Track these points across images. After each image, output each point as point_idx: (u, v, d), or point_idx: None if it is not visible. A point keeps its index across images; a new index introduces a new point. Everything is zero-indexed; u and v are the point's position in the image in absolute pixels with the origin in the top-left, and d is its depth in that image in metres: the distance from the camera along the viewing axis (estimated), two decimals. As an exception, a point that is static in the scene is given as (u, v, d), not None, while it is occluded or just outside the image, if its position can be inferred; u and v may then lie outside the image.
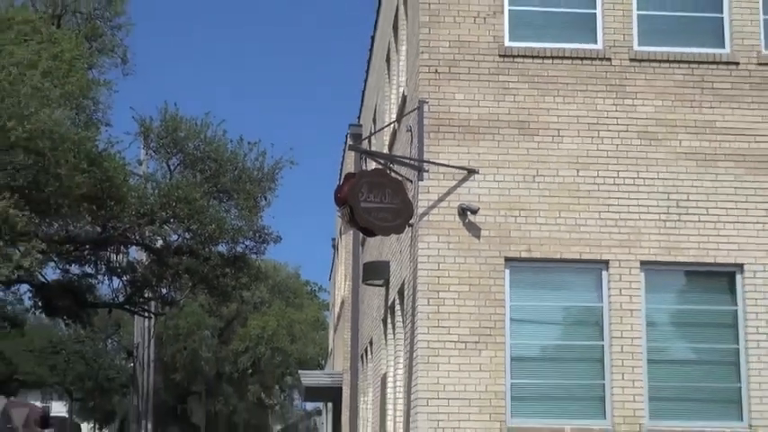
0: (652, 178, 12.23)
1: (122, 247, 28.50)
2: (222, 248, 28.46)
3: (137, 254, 29.87)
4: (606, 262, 12.06)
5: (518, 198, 12.11)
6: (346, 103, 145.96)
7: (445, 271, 11.90)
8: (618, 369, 11.84)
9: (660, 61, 12.48)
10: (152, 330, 37.12)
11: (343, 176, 14.39)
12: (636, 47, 12.52)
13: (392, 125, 15.45)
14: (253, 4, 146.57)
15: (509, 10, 12.55)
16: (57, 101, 22.62)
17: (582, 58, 12.43)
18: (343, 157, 26.76)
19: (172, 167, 28.25)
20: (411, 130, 12.73)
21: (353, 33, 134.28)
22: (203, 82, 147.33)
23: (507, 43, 12.45)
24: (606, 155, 12.25)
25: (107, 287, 30.55)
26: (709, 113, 12.42)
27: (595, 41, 12.55)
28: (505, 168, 12.17)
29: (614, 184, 12.20)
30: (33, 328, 48.01)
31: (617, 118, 12.35)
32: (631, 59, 12.46)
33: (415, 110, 12.46)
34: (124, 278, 29.45)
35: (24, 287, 30.34)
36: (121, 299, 30.47)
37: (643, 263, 12.08)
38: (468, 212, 11.99)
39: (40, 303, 30.00)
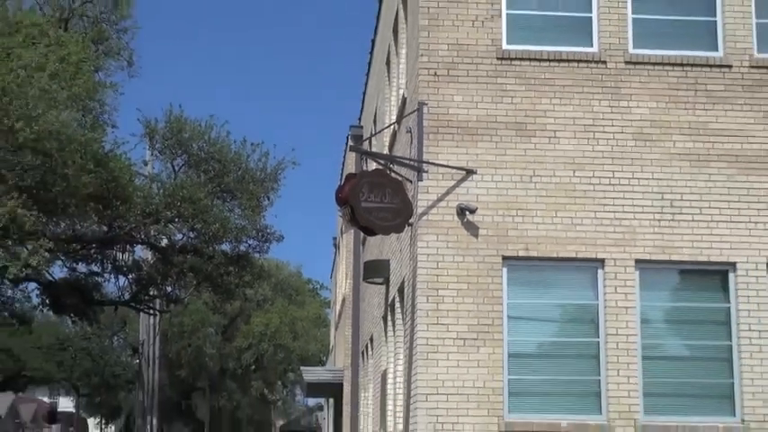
0: (647, 178, 12.24)
1: (128, 246, 28.50)
2: (226, 247, 28.46)
3: (142, 252, 29.87)
4: (602, 260, 12.07)
5: (515, 198, 12.12)
6: (347, 104, 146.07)
7: (444, 269, 11.91)
8: (613, 365, 11.84)
9: (654, 64, 12.48)
10: (157, 327, 37.13)
11: (344, 177, 14.40)
12: (631, 50, 12.52)
13: (392, 126, 15.45)
14: (254, 6, 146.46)
15: (507, 14, 12.56)
16: (64, 103, 22.63)
17: (578, 61, 12.44)
18: (345, 157, 26.77)
19: (176, 168, 28.25)
20: (411, 132, 12.73)
21: (354, 35, 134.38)
22: (205, 83, 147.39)
23: (505, 46, 12.46)
24: (602, 155, 12.26)
25: (113, 285, 30.57)
26: (703, 115, 12.42)
27: (591, 45, 12.56)
28: (503, 169, 12.18)
29: (610, 184, 12.21)
30: (41, 326, 47.98)
31: (612, 119, 12.36)
32: (626, 62, 12.47)
33: (414, 111, 12.46)
34: (130, 276, 29.45)
35: (32, 285, 30.33)
36: (127, 297, 30.47)
37: (638, 261, 12.09)
38: (467, 212, 11.99)
39: (47, 301, 30.00)
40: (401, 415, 13.45)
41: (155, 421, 37.30)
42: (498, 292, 11.92)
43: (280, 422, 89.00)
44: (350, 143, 23.87)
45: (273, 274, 61.97)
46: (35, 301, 33.24)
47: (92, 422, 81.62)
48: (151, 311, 33.76)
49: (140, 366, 37.59)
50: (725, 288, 12.20)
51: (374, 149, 17.96)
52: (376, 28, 20.26)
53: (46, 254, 22.68)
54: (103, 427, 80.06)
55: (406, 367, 12.74)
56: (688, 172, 12.28)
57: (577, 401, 11.87)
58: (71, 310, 30.29)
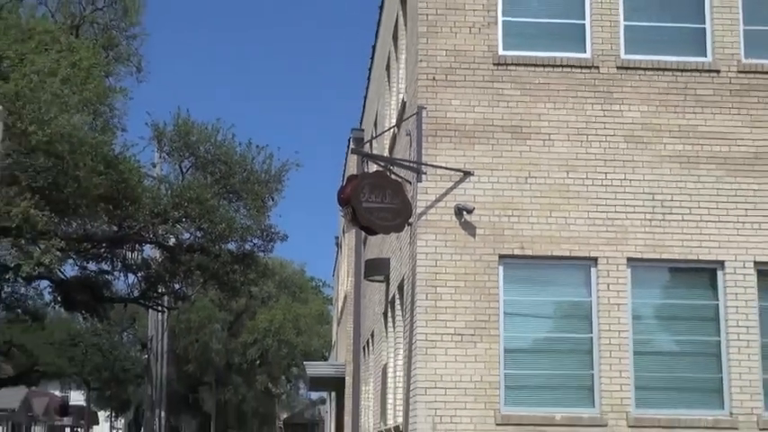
0: (638, 180, 12.23)
1: (137, 245, 28.52)
2: (232, 246, 28.49)
3: (151, 251, 29.89)
4: (595, 259, 12.06)
5: (511, 198, 12.11)
6: (349, 105, 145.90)
7: (442, 267, 11.91)
8: (606, 360, 11.84)
9: (646, 69, 12.48)
10: (165, 324, 37.13)
11: (345, 178, 14.39)
12: (623, 55, 12.51)
13: (392, 130, 15.45)
14: (255, 6, 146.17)
15: (503, 21, 12.55)
16: (75, 107, 22.64)
17: (571, 66, 12.43)
18: (346, 159, 26.75)
19: (184, 170, 28.28)
20: (410, 135, 12.73)
21: (355, 36, 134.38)
22: (205, 83, 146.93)
23: (501, 52, 12.45)
24: (594, 158, 12.26)
25: (123, 283, 30.68)
26: (692, 119, 12.41)
27: (584, 50, 12.55)
28: (499, 170, 12.17)
29: (602, 185, 12.20)
30: (53, 322, 47.97)
31: (605, 123, 12.35)
32: (618, 67, 12.46)
33: (413, 115, 12.46)
34: (139, 274, 29.47)
35: (44, 283, 30.40)
36: (136, 294, 30.50)
37: (629, 260, 12.08)
38: (464, 212, 11.99)
39: (59, 298, 30.05)
40: (401, 408, 13.44)
41: (163, 414, 37.31)
42: (495, 290, 11.91)
43: (284, 415, 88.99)
44: (351, 146, 23.87)
45: (278, 272, 61.88)
46: (47, 298, 33.32)
47: (102, 415, 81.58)
48: (159, 308, 33.78)
49: (149, 361, 37.60)
50: (714, 286, 12.20)
51: (375, 152, 17.95)
52: (376, 34, 20.26)
53: (58, 253, 22.73)
54: (113, 420, 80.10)
55: (406, 362, 12.73)
56: (678, 173, 12.28)
57: (571, 395, 11.87)
58: (82, 307, 30.34)
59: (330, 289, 62.19)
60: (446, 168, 12.08)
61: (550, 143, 12.26)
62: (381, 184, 11.88)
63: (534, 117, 12.31)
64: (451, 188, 12.08)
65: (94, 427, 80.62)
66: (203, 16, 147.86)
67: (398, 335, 14.25)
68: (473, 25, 12.46)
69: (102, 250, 28.17)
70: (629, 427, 11.68)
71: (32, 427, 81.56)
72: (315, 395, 70.36)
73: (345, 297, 28.24)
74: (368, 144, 19.91)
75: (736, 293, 12.07)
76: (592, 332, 11.96)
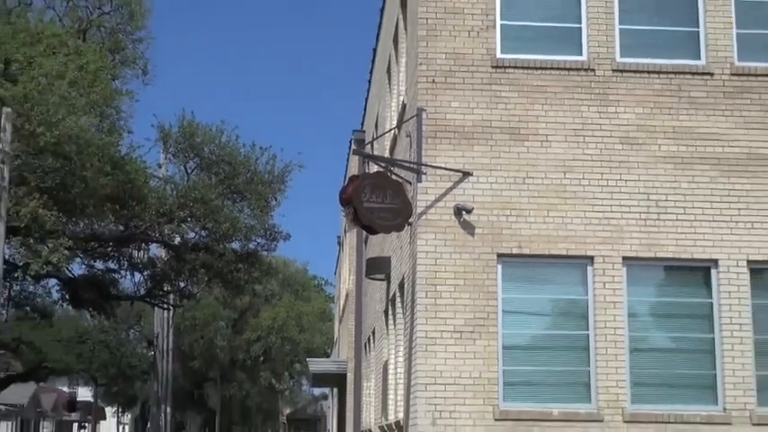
0: (633, 180, 12.23)
1: (143, 244, 28.53)
2: (236, 245, 28.50)
3: (156, 250, 29.91)
4: (591, 258, 12.06)
5: (509, 198, 12.11)
6: (349, 106, 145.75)
7: (442, 266, 11.91)
8: (602, 357, 11.84)
9: (641, 72, 12.47)
10: (171, 321, 37.18)
11: (347, 178, 14.38)
12: (618, 58, 12.51)
13: (393, 131, 15.45)
14: (257, 9, 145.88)
15: (501, 24, 12.55)
16: (82, 109, 22.65)
17: (568, 69, 12.43)
18: (348, 160, 26.76)
19: (189, 170, 28.30)
20: (410, 136, 12.73)
21: (355, 39, 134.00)
22: (209, 84, 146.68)
23: (499, 55, 12.45)
24: (591, 158, 12.25)
25: (129, 281, 30.62)
26: (686, 120, 12.41)
27: (581, 53, 12.55)
28: (498, 171, 12.17)
29: (598, 185, 12.20)
30: (61, 320, 47.94)
31: (600, 124, 12.35)
32: (614, 70, 12.46)
33: (413, 117, 12.46)
34: (145, 273, 29.48)
35: (53, 281, 30.42)
36: (142, 292, 30.51)
37: (625, 258, 12.08)
38: (464, 212, 11.99)
39: (67, 296, 30.06)
40: (402, 404, 13.45)
41: (169, 410, 37.35)
42: (493, 288, 11.91)
43: (287, 410, 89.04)
44: (353, 147, 23.87)
45: (281, 271, 61.97)
46: (55, 296, 33.32)
47: (109, 411, 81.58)
48: (165, 306, 33.79)
49: (155, 358, 37.63)
50: (707, 284, 12.20)
51: (376, 153, 17.95)
52: (377, 38, 20.26)
53: (66, 252, 22.73)
54: (120, 415, 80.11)
55: (407, 358, 12.73)
56: (672, 174, 12.28)
57: (568, 391, 11.86)
58: (89, 304, 30.34)
59: (332, 287, 62.29)
60: (445, 169, 12.08)
61: (548, 144, 12.26)
62: (382, 185, 11.88)
63: (532, 119, 12.31)
64: (451, 188, 12.08)
65: (101, 422, 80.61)
66: (204, 18, 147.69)
67: (399, 332, 14.25)
68: (472, 29, 12.46)
69: (109, 249, 28.18)
70: (625, 422, 11.67)
71: (41, 423, 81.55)
72: (317, 391, 70.46)
73: (347, 295, 28.24)
74: (369, 145, 19.93)
75: (730, 291, 12.07)
76: (588, 329, 11.96)
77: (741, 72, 12.52)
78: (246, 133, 53.53)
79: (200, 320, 58.84)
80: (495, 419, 11.56)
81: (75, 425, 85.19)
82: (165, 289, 30.76)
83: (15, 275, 27.91)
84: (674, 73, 12.49)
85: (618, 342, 11.87)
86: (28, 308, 35.72)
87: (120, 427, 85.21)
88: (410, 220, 12.14)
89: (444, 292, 11.83)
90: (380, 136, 17.56)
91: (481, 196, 12.08)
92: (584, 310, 12.02)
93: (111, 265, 28.92)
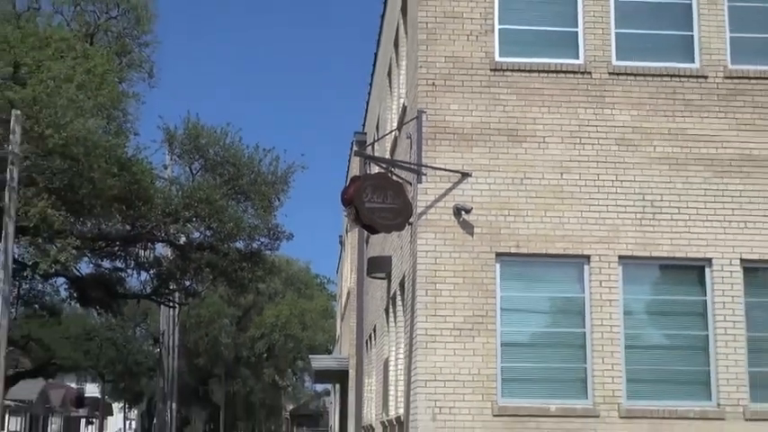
0: (629, 181, 12.22)
1: (149, 244, 28.52)
2: (240, 245, 28.47)
3: (162, 250, 29.88)
4: (587, 257, 12.06)
5: (507, 199, 12.10)
6: (350, 106, 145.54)
7: (442, 265, 11.90)
8: (598, 354, 11.83)
9: (636, 75, 12.47)
10: (176, 319, 37.13)
11: (349, 179, 14.38)
12: (614, 61, 12.51)
13: (393, 133, 15.45)
14: (258, 10, 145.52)
15: (499, 29, 12.55)
16: (90, 111, 22.66)
17: (565, 72, 12.42)
18: (350, 161, 26.75)
19: (194, 171, 28.28)
20: (410, 138, 12.72)
21: (355, 39, 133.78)
22: (209, 85, 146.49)
23: (497, 59, 12.45)
24: (587, 159, 12.25)
25: (136, 280, 30.64)
26: (681, 122, 12.41)
27: (577, 57, 12.54)
28: (496, 172, 12.17)
29: (594, 186, 12.19)
30: (69, 317, 47.91)
31: (597, 126, 12.34)
32: (610, 73, 12.45)
33: (414, 119, 12.45)
34: (151, 272, 29.48)
35: (61, 280, 30.42)
36: (149, 290, 30.50)
37: (621, 257, 12.08)
38: (463, 212, 11.98)
39: (75, 294, 30.06)
40: (402, 400, 13.44)
41: (174, 405, 37.32)
42: (492, 286, 11.91)
43: (290, 406, 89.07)
44: (354, 148, 23.86)
45: (284, 270, 61.87)
46: (64, 294, 33.32)
47: (116, 406, 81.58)
48: (171, 304, 33.76)
49: (161, 355, 37.60)
50: (701, 282, 12.19)
51: (377, 154, 17.95)
52: (378, 42, 20.26)
53: (73, 251, 22.72)
54: (127, 411, 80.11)
55: (407, 355, 12.73)
56: (667, 175, 12.27)
57: (565, 387, 11.86)
58: (97, 302, 30.36)
59: (334, 285, 62.26)
60: (445, 170, 12.07)
61: (545, 146, 12.25)
62: (383, 185, 11.88)
63: (529, 121, 12.30)
64: (450, 189, 12.08)
65: (109, 418, 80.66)
66: (204, 18, 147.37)
67: (400, 329, 14.24)
68: (471, 33, 12.45)
69: (116, 248, 28.18)
70: (621, 417, 11.67)
71: (49, 418, 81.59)
72: (320, 387, 70.53)
73: (349, 293, 28.23)
74: (370, 147, 19.93)
75: (723, 290, 12.06)
76: (585, 327, 11.95)
77: (734, 75, 12.52)
78: (248, 133, 53.71)
79: (205, 318, 58.79)
80: (494, 415, 11.56)
81: (83, 420, 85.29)
82: (171, 287, 30.75)
83: (24, 274, 27.94)
84: (669, 76, 12.48)
85: (614, 339, 11.86)
86: (37, 306, 35.72)
87: (127, 423, 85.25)
88: (410, 219, 12.14)
89: (444, 290, 11.82)
90: (381, 138, 17.55)
91: (480, 196, 12.07)
92: (581, 307, 12.02)
93: (118, 264, 28.94)
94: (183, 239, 28.02)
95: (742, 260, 12.13)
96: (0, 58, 23.39)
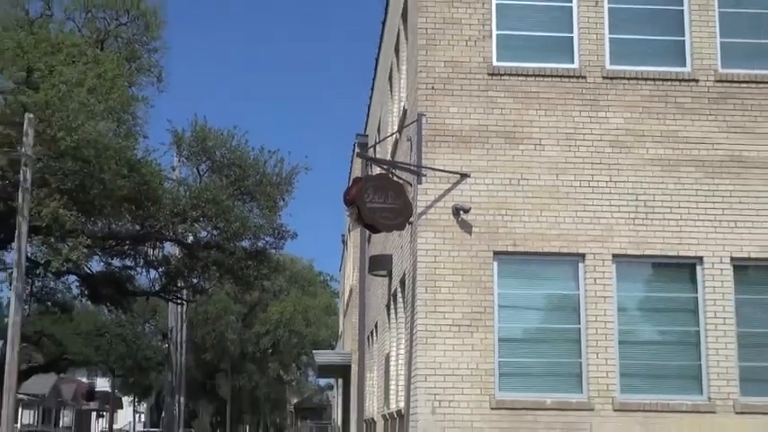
0: (622, 181, 12.20)
1: (158, 243, 28.51)
2: (245, 244, 28.45)
3: (171, 248, 29.87)
4: (582, 255, 12.04)
5: (505, 199, 12.09)
6: (350, 106, 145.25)
7: (441, 263, 11.89)
8: (593, 349, 11.81)
9: (629, 79, 12.45)
10: (184, 315, 37.15)
11: (351, 180, 14.39)
12: (608, 66, 12.49)
13: (394, 135, 15.43)
14: (258, 11, 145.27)
15: (496, 34, 12.53)
16: (100, 115, 22.67)
17: (560, 76, 12.40)
18: (352, 163, 26.74)
19: (201, 173, 28.26)
20: (411, 140, 12.71)
21: (355, 40, 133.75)
22: (210, 85, 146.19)
23: (495, 63, 12.43)
24: (582, 161, 12.23)
25: (145, 278, 30.59)
26: (673, 124, 12.39)
27: (572, 61, 12.53)
28: (494, 173, 12.15)
29: (589, 186, 12.18)
30: (80, 314, 47.91)
31: (591, 128, 12.32)
32: (604, 77, 12.43)
33: (414, 122, 12.44)
34: (160, 270, 29.47)
35: (72, 277, 30.38)
36: (157, 288, 30.49)
37: (615, 256, 12.06)
38: (461, 212, 11.97)
39: (86, 292, 30.05)
40: (403, 393, 13.43)
41: (182, 399, 37.33)
42: (490, 284, 11.89)
43: (294, 400, 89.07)
44: (356, 150, 23.85)
45: (288, 268, 61.84)
46: (75, 291, 33.31)
47: (126, 400, 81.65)
48: (179, 301, 33.78)
49: (169, 350, 37.62)
50: (693, 280, 12.17)
51: (378, 156, 17.93)
52: (379, 47, 20.24)
53: (84, 250, 22.72)
54: (136, 404, 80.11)
55: (407, 351, 12.71)
56: (659, 175, 12.25)
57: (561, 381, 11.84)
58: (107, 299, 30.35)
59: (337, 283, 62.24)
60: (444, 171, 12.06)
61: (541, 148, 12.24)
62: (384, 186, 11.87)
63: (526, 123, 12.29)
64: (449, 189, 12.06)
65: (119, 411, 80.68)
66: (205, 19, 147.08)
67: (400, 326, 14.23)
68: (469, 38, 12.44)
69: (126, 247, 28.17)
70: (615, 411, 11.65)
71: (61, 411, 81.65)
72: (323, 382, 70.49)
73: (351, 290, 28.22)
74: (372, 149, 19.91)
75: (714, 287, 12.04)
76: (580, 323, 11.94)
77: (724, 79, 12.50)
78: (249, 133, 53.43)
79: (211, 315, 58.83)
80: (492, 408, 11.54)
81: (94, 414, 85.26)
82: (179, 285, 30.74)
83: (37, 272, 27.91)
84: (662, 80, 12.46)
85: (608, 335, 11.85)
86: (49, 303, 35.68)
87: (137, 416, 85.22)
88: (411, 219, 12.12)
89: (443, 287, 11.81)
90: (383, 140, 17.53)
91: (478, 197, 12.06)
92: (576, 304, 12.00)
93: (128, 262, 28.93)
94: (190, 238, 28.02)
95: (732, 258, 12.11)
96: (14, 64, 23.41)
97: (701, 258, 12.11)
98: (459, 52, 12.41)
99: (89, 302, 35.01)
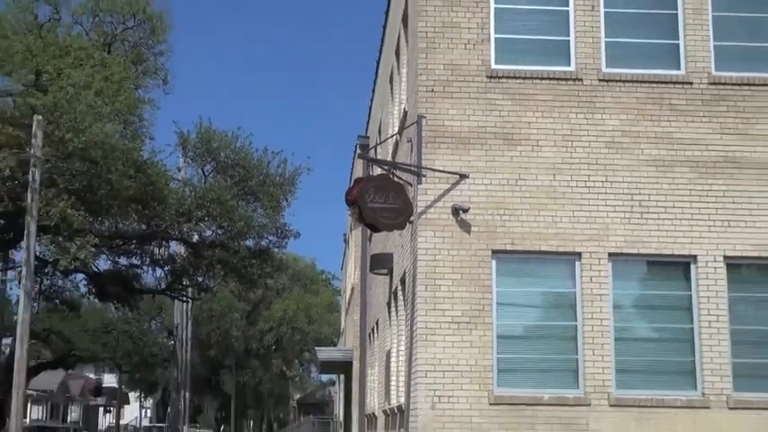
0: (618, 182, 12.20)
1: (164, 242, 28.53)
2: (249, 243, 28.47)
3: (176, 247, 29.91)
4: (579, 254, 12.03)
5: (503, 199, 12.08)
6: (350, 106, 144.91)
7: (440, 261, 11.88)
8: (589, 346, 11.81)
9: (625, 81, 12.44)
10: (189, 313, 37.19)
11: (352, 181, 14.39)
12: (604, 69, 12.48)
13: (395, 136, 15.43)
14: (258, 11, 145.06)
15: (495, 38, 12.52)
16: (108, 116, 22.68)
17: (557, 79, 12.40)
18: (353, 164, 26.73)
19: (206, 173, 28.28)
20: (411, 141, 12.70)
21: (355, 41, 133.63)
22: (210, 85, 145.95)
23: (493, 66, 12.43)
24: (579, 162, 12.22)
25: (151, 276, 30.61)
26: (667, 126, 12.38)
27: (569, 64, 12.52)
28: (492, 173, 12.15)
29: (585, 186, 12.17)
30: (88, 311, 47.94)
31: (588, 130, 12.32)
32: (600, 80, 12.43)
33: (414, 123, 12.43)
34: (165, 268, 29.47)
35: (80, 276, 30.39)
36: (163, 286, 30.50)
37: (611, 254, 12.05)
38: (461, 211, 11.96)
39: (93, 290, 30.08)
40: (403, 389, 13.42)
41: (187, 395, 37.37)
42: (488, 282, 11.88)
43: (297, 395, 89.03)
44: (358, 151, 23.84)
45: (291, 266, 61.90)
46: (83, 289, 33.33)
47: (132, 396, 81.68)
48: (184, 299, 33.80)
49: (175, 347, 37.63)
50: (687, 278, 12.16)
51: (379, 157, 17.92)
52: (380, 50, 20.24)
53: (92, 249, 22.73)
54: (143, 400, 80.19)
55: (408, 347, 12.71)
56: (654, 176, 12.25)
57: (558, 377, 11.83)
58: (114, 297, 30.36)
59: (339, 281, 62.22)
60: (444, 172, 12.05)
61: (538, 149, 12.23)
62: (385, 186, 11.87)
63: (524, 125, 12.28)
64: (449, 190, 12.06)
65: (125, 406, 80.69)
66: (205, 19, 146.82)
67: (401, 323, 14.23)
68: (468, 42, 12.43)
69: (133, 246, 28.19)
70: (611, 406, 11.65)
71: (69, 407, 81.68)
72: (325, 377, 70.41)
73: (352, 289, 28.21)
74: (373, 150, 19.90)
75: (708, 285, 12.04)
76: (576, 320, 11.93)
77: (718, 81, 12.49)
78: (255, 134, 53.37)
79: (216, 312, 58.85)
80: (490, 404, 11.54)
81: (101, 409, 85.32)
82: (184, 283, 30.75)
83: (46, 271, 27.92)
84: (656, 82, 12.46)
85: (604, 332, 11.84)
86: (57, 301, 35.69)
87: (143, 411, 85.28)
88: (411, 219, 12.12)
89: (443, 285, 11.80)
90: (383, 141, 17.53)
91: (477, 197, 12.05)
92: (573, 302, 12.00)
93: (135, 261, 28.96)
94: (195, 238, 28.03)
95: (725, 257, 12.11)
96: (23, 66, 23.44)
97: (695, 257, 12.10)
98: (459, 55, 12.40)
99: (96, 300, 35.06)
